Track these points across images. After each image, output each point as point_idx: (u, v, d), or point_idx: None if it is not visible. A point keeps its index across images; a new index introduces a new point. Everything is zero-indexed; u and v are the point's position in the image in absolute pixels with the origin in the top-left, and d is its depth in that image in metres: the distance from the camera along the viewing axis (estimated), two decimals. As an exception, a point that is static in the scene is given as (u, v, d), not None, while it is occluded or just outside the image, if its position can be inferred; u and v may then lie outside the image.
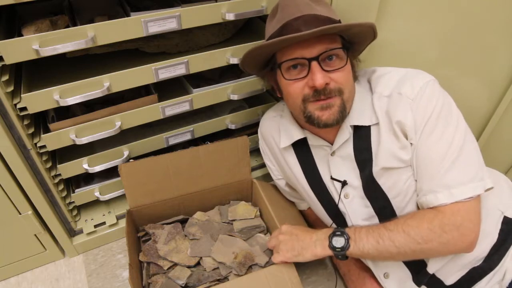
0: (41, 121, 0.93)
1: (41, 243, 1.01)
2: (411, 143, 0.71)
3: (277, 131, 0.91)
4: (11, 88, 0.77)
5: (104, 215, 1.10)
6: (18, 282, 1.02)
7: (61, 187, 0.98)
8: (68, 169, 0.94)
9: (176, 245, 0.95)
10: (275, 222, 0.92)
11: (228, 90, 1.01)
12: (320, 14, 0.70)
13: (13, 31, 0.85)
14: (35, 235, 0.99)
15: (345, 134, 0.78)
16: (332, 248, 0.75)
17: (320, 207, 0.88)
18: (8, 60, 0.72)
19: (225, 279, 0.89)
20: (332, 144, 0.81)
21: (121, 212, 1.11)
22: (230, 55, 0.94)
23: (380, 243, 0.71)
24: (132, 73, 0.85)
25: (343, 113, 0.73)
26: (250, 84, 1.02)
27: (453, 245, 0.67)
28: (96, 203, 1.09)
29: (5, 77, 0.76)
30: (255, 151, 1.20)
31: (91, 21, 0.88)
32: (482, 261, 0.76)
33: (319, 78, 0.68)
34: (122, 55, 0.94)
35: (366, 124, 0.75)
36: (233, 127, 1.09)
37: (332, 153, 0.82)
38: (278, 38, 0.68)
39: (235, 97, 1.01)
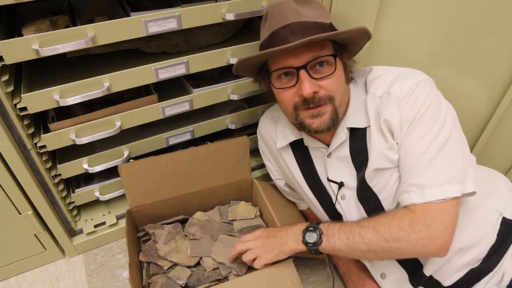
0: (41, 121, 0.93)
1: (41, 243, 1.01)
2: (397, 143, 0.71)
3: (275, 132, 0.91)
4: (11, 88, 0.77)
5: (104, 215, 1.10)
6: (18, 282, 1.02)
7: (61, 187, 0.98)
8: (68, 169, 0.94)
9: (176, 245, 0.95)
10: (275, 222, 0.92)
11: (228, 90, 1.01)
12: (308, 20, 0.69)
13: (13, 31, 0.85)
14: (35, 235, 0.99)
15: (341, 137, 0.78)
16: (305, 243, 0.75)
17: (319, 207, 0.88)
18: (8, 60, 0.72)
19: (225, 279, 0.89)
20: (328, 145, 0.81)
21: (121, 212, 1.11)
22: (230, 55, 0.94)
23: (350, 239, 0.71)
24: (132, 73, 0.85)
25: (335, 119, 0.73)
26: (250, 84, 1.02)
27: (422, 246, 0.65)
28: (96, 203, 1.09)
29: (5, 77, 0.76)
30: (255, 151, 1.20)
31: (91, 21, 0.88)
32: (481, 262, 0.76)
33: (307, 87, 0.68)
34: (122, 55, 0.94)
35: (362, 126, 0.75)
36: (233, 127, 1.09)
37: (329, 155, 0.82)
38: (263, 51, 0.69)
39: (235, 97, 1.01)
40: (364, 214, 0.79)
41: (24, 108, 0.79)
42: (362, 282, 0.88)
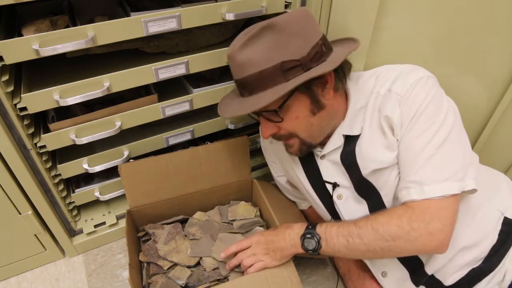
0: (41, 121, 0.93)
1: (41, 243, 1.01)
2: (397, 139, 0.70)
3: None
4: (11, 88, 0.77)
5: (104, 215, 1.10)
6: (18, 282, 1.02)
7: (61, 187, 0.98)
8: (68, 169, 0.94)
9: (176, 245, 0.95)
10: (275, 222, 0.92)
11: (228, 90, 1.01)
12: (253, 72, 0.68)
13: (13, 31, 0.85)
14: (35, 235, 0.99)
15: (336, 143, 0.78)
16: (305, 249, 0.75)
17: (321, 205, 0.88)
18: (8, 60, 0.72)
19: (225, 279, 0.89)
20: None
21: (121, 212, 1.11)
22: (230, 55, 0.94)
23: (349, 241, 0.70)
24: (132, 73, 0.85)
25: (305, 148, 0.78)
26: (250, 84, 1.02)
27: (421, 243, 0.65)
28: (96, 203, 1.09)
29: (5, 77, 0.76)
30: (255, 151, 1.20)
31: (91, 21, 0.88)
32: (482, 262, 0.75)
33: (263, 132, 0.75)
34: (122, 55, 0.94)
35: (356, 133, 0.75)
36: (233, 127, 1.09)
37: (322, 157, 0.82)
38: (220, 115, 0.78)
39: (235, 97, 1.01)
40: (367, 212, 0.79)
41: (24, 108, 0.79)
42: (362, 282, 0.87)
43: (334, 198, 0.83)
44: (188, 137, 1.05)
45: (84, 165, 0.94)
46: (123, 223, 1.10)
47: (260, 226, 1.01)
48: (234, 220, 1.03)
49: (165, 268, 0.90)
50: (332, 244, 0.73)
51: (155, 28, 0.82)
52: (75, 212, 1.06)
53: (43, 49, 0.72)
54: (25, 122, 0.83)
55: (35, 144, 0.86)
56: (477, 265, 0.75)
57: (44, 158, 0.90)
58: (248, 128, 1.14)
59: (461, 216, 0.68)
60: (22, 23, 0.83)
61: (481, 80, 1.00)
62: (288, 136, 0.76)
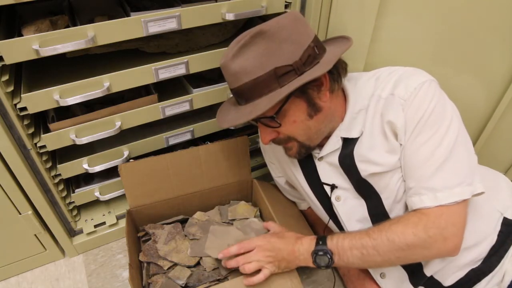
0: (41, 121, 0.93)
1: (41, 243, 1.01)
2: (400, 144, 0.70)
3: None
4: (11, 88, 0.77)
5: (104, 215, 1.10)
6: (18, 282, 1.02)
7: (61, 187, 0.98)
8: (68, 169, 0.94)
9: (176, 245, 0.95)
10: (275, 221, 0.92)
11: (228, 90, 1.01)
12: (247, 80, 0.68)
13: (13, 31, 0.85)
14: (35, 235, 0.99)
15: (334, 145, 0.78)
16: (317, 266, 0.75)
17: (319, 206, 0.88)
18: (8, 60, 0.72)
19: (225, 279, 0.89)
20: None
21: (121, 212, 1.11)
22: (230, 55, 0.94)
23: (364, 253, 0.70)
24: (132, 73, 0.85)
25: (304, 151, 0.78)
26: (250, 84, 1.02)
27: (437, 249, 0.66)
28: (96, 203, 1.09)
29: (5, 77, 0.76)
30: (255, 151, 1.20)
31: (91, 21, 0.88)
32: (481, 263, 0.75)
33: (262, 138, 0.76)
34: (122, 55, 0.94)
35: (355, 136, 0.75)
36: (233, 127, 1.09)
37: (320, 159, 0.82)
38: (218, 122, 0.79)
39: (235, 97, 1.01)
40: (366, 214, 0.79)
41: (24, 108, 0.79)
42: (361, 283, 0.87)
43: (332, 199, 0.83)
44: (188, 137, 1.05)
45: (84, 165, 0.94)
46: (123, 223, 1.10)
47: (255, 217, 1.00)
48: (234, 220, 1.03)
49: (165, 268, 0.90)
50: (345, 258, 0.72)
51: (155, 28, 0.82)
52: (75, 212, 1.06)
53: (43, 49, 0.72)
54: (25, 122, 0.83)
55: (35, 144, 0.86)
56: (477, 265, 0.76)
57: (44, 158, 0.90)
58: (248, 128, 1.14)
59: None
60: (22, 23, 0.83)
61: (480, 80, 1.00)
62: (287, 140, 0.76)
